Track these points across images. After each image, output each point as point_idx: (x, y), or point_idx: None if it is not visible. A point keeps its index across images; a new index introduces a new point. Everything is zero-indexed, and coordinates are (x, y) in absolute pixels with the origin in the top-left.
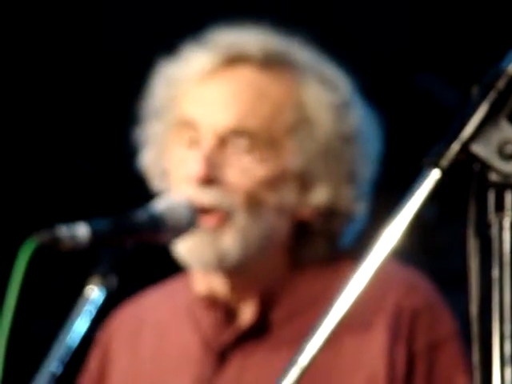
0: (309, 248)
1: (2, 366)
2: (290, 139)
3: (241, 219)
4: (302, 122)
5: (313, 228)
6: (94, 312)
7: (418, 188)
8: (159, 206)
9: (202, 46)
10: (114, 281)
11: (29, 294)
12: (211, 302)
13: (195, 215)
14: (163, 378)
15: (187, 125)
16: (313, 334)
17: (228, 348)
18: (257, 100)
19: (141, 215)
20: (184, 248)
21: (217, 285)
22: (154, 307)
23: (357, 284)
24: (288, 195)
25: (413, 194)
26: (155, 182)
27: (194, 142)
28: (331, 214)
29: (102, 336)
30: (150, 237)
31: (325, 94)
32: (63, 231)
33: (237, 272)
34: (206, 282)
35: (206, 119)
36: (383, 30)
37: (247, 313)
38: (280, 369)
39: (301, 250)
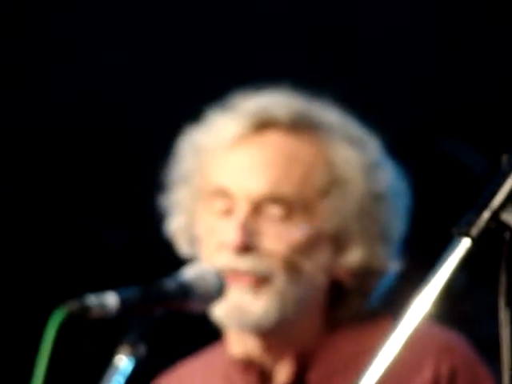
0: (343, 307)
1: None
2: (322, 201)
3: (279, 282)
4: (333, 183)
5: (347, 287)
6: (122, 382)
7: (448, 256)
8: (188, 274)
9: (229, 112)
10: (143, 350)
11: (58, 363)
12: (246, 364)
13: (224, 283)
14: None
15: (219, 193)
16: None
17: None
18: (288, 165)
19: (169, 283)
20: (221, 310)
21: (252, 346)
22: (191, 377)
23: (390, 351)
24: (323, 257)
25: (443, 263)
26: (184, 248)
27: (227, 210)
28: (366, 273)
29: None
30: (179, 305)
31: (354, 153)
32: (92, 300)
33: (272, 333)
34: (241, 343)
35: (239, 187)
36: (414, 94)
37: (283, 374)
38: None
39: (335, 310)
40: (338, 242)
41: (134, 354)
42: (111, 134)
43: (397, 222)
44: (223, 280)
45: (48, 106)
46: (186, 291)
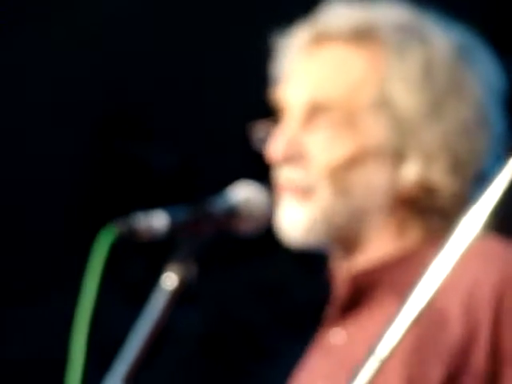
0: (418, 226)
1: (84, 360)
2: (372, 114)
3: (324, 196)
4: (385, 97)
5: (418, 205)
6: (171, 299)
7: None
8: (236, 194)
9: (303, 23)
10: (191, 269)
11: (107, 282)
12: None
13: (272, 202)
14: None
15: (284, 105)
16: (392, 325)
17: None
18: (339, 77)
19: (218, 203)
20: (278, 226)
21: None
22: None
23: (439, 269)
24: (377, 172)
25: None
26: None
27: (280, 119)
28: (431, 189)
29: None
30: (227, 225)
31: (409, 67)
32: (140, 220)
33: (336, 249)
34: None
35: (289, 97)
36: None
37: (347, 288)
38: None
39: (409, 228)
40: (392, 156)
41: (182, 273)
42: (158, 60)
43: (460, 136)
44: (271, 199)
45: None
46: (233, 211)
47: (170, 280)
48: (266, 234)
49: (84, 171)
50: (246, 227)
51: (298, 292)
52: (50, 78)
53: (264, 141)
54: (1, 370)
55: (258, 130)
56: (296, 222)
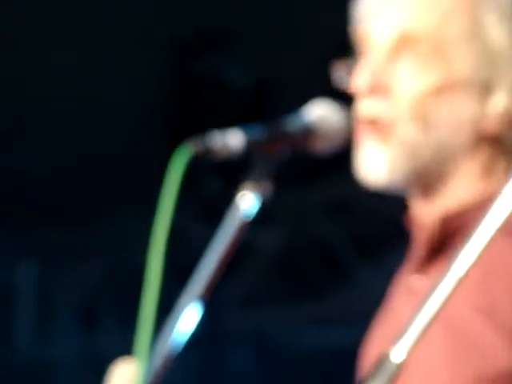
0: (503, 168)
1: (161, 278)
2: (463, 45)
3: (407, 130)
4: (477, 27)
5: (503, 144)
6: (247, 218)
7: None
8: (312, 113)
9: None
10: (267, 188)
11: (184, 200)
12: (413, 219)
13: (349, 123)
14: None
15: (365, 35)
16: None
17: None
18: (425, 7)
19: (294, 122)
20: (358, 165)
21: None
22: None
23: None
24: (463, 105)
25: None
26: None
27: (363, 53)
28: None
29: None
30: (302, 145)
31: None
32: (216, 139)
33: (416, 191)
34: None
35: (374, 28)
36: None
37: (434, 229)
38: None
39: (493, 170)
40: (479, 90)
41: (257, 192)
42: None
43: None
44: (348, 120)
45: None
46: (309, 130)
47: (245, 198)
48: (342, 152)
49: (164, 90)
50: (321, 146)
51: (372, 209)
52: (132, 2)
53: (345, 78)
54: (83, 285)
55: (339, 67)
56: (376, 163)
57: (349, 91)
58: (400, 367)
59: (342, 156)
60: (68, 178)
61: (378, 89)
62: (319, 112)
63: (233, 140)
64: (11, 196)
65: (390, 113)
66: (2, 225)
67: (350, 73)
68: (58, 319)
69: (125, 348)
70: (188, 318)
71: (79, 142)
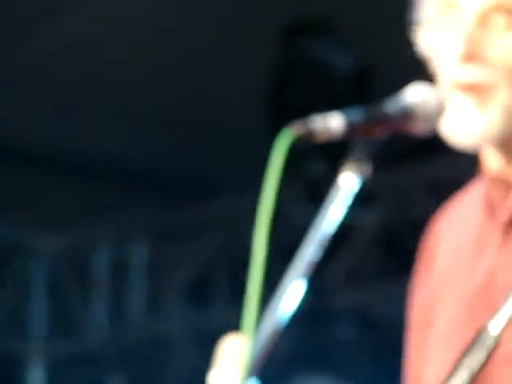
0: None
1: (266, 254)
2: None
3: (503, 95)
4: None
5: None
6: (348, 198)
7: None
8: (409, 96)
9: None
10: (366, 170)
11: (287, 181)
12: (495, 180)
13: (444, 104)
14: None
15: (448, 5)
16: None
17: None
18: None
19: (391, 105)
20: (448, 127)
21: (497, 162)
22: (459, 203)
23: None
24: None
25: None
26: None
27: (455, 22)
28: None
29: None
30: (400, 126)
31: None
32: (317, 122)
33: (505, 148)
34: (489, 160)
35: None
36: None
37: None
38: None
39: None
40: None
41: (358, 173)
42: None
43: None
44: (444, 101)
45: None
46: (407, 113)
47: (346, 179)
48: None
49: (272, 72)
50: (419, 128)
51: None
52: None
53: (432, 46)
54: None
55: (425, 35)
56: (473, 125)
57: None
58: (498, 340)
59: (440, 136)
60: (181, 160)
61: (475, 55)
62: (417, 95)
63: (334, 123)
64: (127, 177)
65: (489, 78)
66: (117, 203)
67: (438, 41)
68: (170, 295)
69: (234, 324)
70: (293, 295)
71: (193, 127)
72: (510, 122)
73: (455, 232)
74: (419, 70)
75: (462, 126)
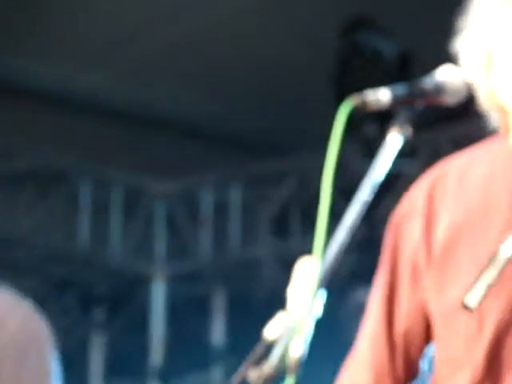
0: None
1: (331, 200)
2: None
3: None
4: None
5: None
6: (395, 152)
7: None
8: (441, 74)
9: None
10: (408, 131)
11: (349, 140)
12: None
13: (468, 84)
14: (490, 228)
15: None
16: None
17: None
18: None
19: (427, 82)
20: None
21: None
22: (472, 165)
23: None
24: None
25: None
26: None
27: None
28: None
29: (425, 185)
30: (434, 99)
31: None
32: (370, 95)
33: None
34: None
35: None
36: None
37: None
38: None
39: None
40: None
41: (402, 133)
42: None
43: None
44: (466, 81)
45: None
46: (439, 88)
47: (393, 138)
48: (466, 102)
49: (336, 58)
50: (448, 99)
51: None
52: None
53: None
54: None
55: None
56: None
57: None
58: (509, 260)
59: (466, 104)
60: (269, 124)
61: None
62: (447, 75)
63: (383, 96)
64: (225, 138)
65: None
66: (219, 157)
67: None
68: (259, 228)
69: (308, 249)
70: (352, 227)
71: (281, 102)
72: None
73: (476, 189)
74: (448, 56)
75: None
